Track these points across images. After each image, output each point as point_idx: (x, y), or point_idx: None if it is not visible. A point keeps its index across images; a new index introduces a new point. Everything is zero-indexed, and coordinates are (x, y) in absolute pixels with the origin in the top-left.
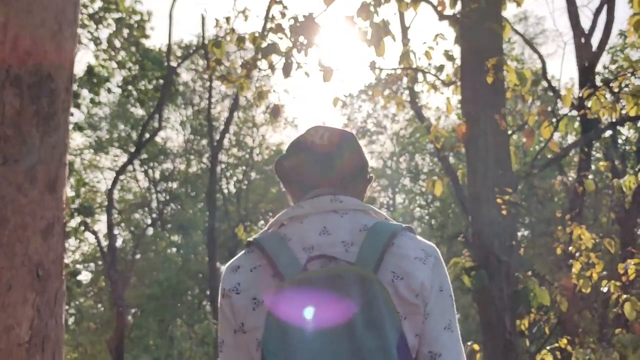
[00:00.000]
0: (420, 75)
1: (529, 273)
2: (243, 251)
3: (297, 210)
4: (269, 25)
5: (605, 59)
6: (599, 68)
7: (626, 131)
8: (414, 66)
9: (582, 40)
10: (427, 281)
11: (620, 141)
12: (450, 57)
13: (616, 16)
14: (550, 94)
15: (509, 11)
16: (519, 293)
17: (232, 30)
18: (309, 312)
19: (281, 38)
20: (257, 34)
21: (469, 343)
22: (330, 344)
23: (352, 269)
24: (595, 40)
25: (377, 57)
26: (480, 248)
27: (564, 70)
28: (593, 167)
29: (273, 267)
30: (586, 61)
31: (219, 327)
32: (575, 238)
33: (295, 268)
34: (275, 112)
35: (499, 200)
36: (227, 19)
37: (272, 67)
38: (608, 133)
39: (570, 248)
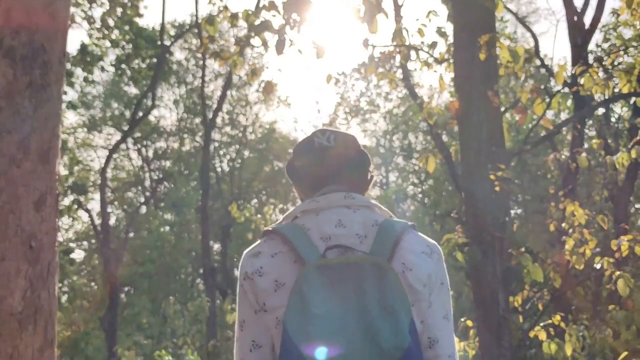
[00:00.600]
0: (413, 53)
1: (522, 249)
2: (262, 239)
3: (312, 204)
4: (262, 2)
5: (597, 37)
6: (591, 46)
7: (619, 109)
8: (407, 43)
9: (575, 18)
10: (432, 273)
11: (613, 119)
12: (442, 34)
13: None
14: (543, 72)
15: None
16: (512, 269)
17: (226, 7)
18: (328, 295)
19: (274, 15)
20: (250, 12)
21: (462, 319)
22: (347, 324)
23: (369, 259)
24: (587, 19)
25: (370, 35)
26: (473, 224)
27: (556, 48)
28: (586, 145)
29: (295, 254)
30: (579, 39)
31: (238, 308)
32: (569, 214)
33: (315, 255)
34: (268, 89)
35: (492, 177)
36: None
37: (265, 44)
38: (601, 111)
39: (563, 225)
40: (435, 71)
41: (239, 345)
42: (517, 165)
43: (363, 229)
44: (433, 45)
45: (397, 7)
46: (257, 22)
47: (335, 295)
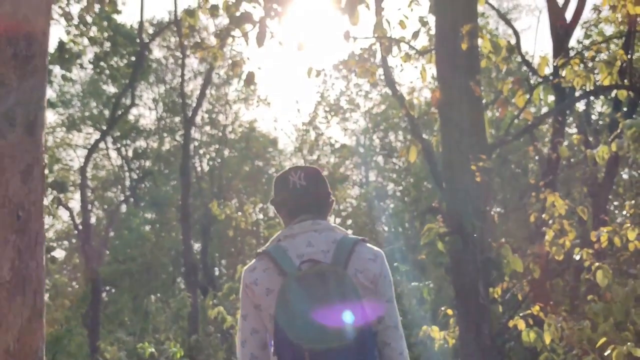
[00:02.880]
0: (394, 49)
1: (503, 240)
2: (256, 258)
3: (290, 231)
4: None
5: (579, 34)
6: (572, 43)
7: (599, 107)
8: (389, 36)
9: (556, 13)
10: (377, 272)
11: (593, 117)
12: (424, 23)
13: None
14: (525, 69)
15: None
16: (492, 260)
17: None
18: (303, 296)
19: (255, 7)
20: (230, 3)
21: (442, 308)
22: (317, 314)
23: (331, 268)
24: (569, 14)
25: (351, 27)
26: (454, 214)
27: (537, 45)
28: (566, 142)
29: (279, 268)
30: (560, 33)
31: (242, 305)
32: (549, 205)
33: (293, 268)
34: (249, 79)
35: (473, 167)
36: None
37: (245, 36)
38: (581, 107)
39: (543, 215)
40: (415, 67)
41: (242, 330)
42: (497, 162)
43: (326, 246)
44: (415, 35)
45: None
46: (238, 13)
47: (308, 295)
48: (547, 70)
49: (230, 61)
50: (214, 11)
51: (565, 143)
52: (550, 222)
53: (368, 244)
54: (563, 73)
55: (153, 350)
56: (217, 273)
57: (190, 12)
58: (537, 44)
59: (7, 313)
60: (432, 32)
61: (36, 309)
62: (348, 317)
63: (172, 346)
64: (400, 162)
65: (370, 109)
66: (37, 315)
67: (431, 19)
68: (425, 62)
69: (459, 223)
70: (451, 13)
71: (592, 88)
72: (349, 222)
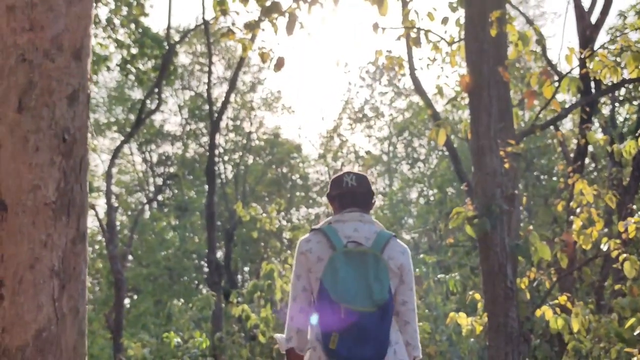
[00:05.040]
0: (423, 40)
1: (530, 228)
2: (311, 232)
3: (341, 217)
4: None
5: (604, 39)
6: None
7: (625, 113)
8: (417, 26)
9: (582, 16)
10: (404, 263)
11: (619, 122)
12: (454, 9)
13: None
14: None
15: None
16: (520, 247)
17: None
18: (347, 267)
19: None
20: None
21: (470, 292)
22: (356, 283)
23: (370, 250)
24: (594, 18)
25: (380, 18)
26: (482, 197)
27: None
28: (591, 148)
29: (330, 243)
30: (587, 32)
31: (295, 268)
32: (577, 192)
33: (341, 245)
34: (279, 64)
35: (501, 153)
36: None
37: (274, 25)
38: (607, 113)
39: (571, 204)
40: (441, 68)
41: (295, 287)
42: (522, 164)
43: (369, 234)
44: (444, 20)
45: None
46: (268, 3)
47: (351, 267)
48: (574, 63)
49: (259, 47)
50: (243, 0)
51: (590, 148)
52: (578, 210)
53: (399, 240)
54: (591, 65)
55: (179, 339)
56: (239, 279)
57: (221, 2)
58: (563, 49)
59: (53, 233)
60: (461, 21)
61: (80, 232)
62: (377, 290)
63: (198, 335)
64: (425, 167)
65: (395, 117)
66: (80, 238)
67: (460, 12)
68: (454, 52)
69: (487, 206)
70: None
71: (619, 80)
72: None
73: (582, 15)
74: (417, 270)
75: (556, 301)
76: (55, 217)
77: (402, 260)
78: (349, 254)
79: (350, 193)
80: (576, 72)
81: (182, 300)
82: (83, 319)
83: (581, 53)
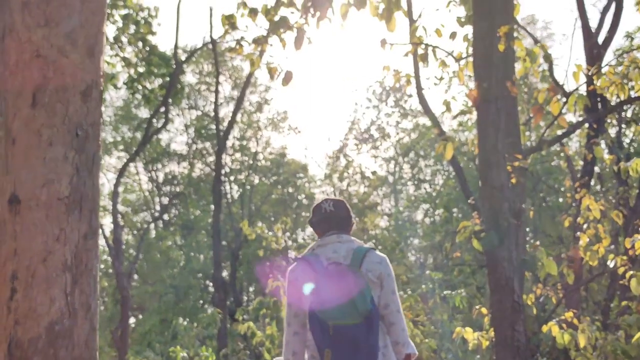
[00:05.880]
0: (430, 57)
1: (537, 243)
2: (296, 262)
3: (321, 242)
4: None
5: (611, 58)
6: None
7: (631, 135)
8: (425, 42)
9: (590, 37)
10: (382, 271)
11: (625, 143)
12: (462, 23)
13: (622, 19)
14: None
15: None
16: (527, 262)
17: (244, 3)
18: (330, 286)
19: (292, 12)
20: (269, 7)
21: (477, 307)
22: (339, 298)
23: (349, 267)
24: (602, 39)
25: (388, 33)
26: (490, 211)
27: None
28: (597, 169)
29: (312, 268)
30: (595, 49)
31: (287, 297)
32: (584, 208)
33: (322, 268)
34: (287, 78)
35: (508, 168)
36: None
37: (282, 41)
38: (613, 134)
39: (578, 219)
40: (451, 78)
41: (288, 314)
42: (530, 182)
43: (346, 253)
44: (453, 35)
45: (410, 7)
46: (276, 18)
47: (334, 286)
48: (582, 80)
49: (267, 62)
50: (252, 15)
51: (597, 169)
52: (585, 226)
53: (376, 251)
54: (598, 82)
55: (185, 354)
56: (245, 299)
57: (229, 17)
58: (570, 69)
59: (65, 227)
60: (469, 36)
61: (92, 227)
62: (360, 302)
63: (204, 350)
64: (431, 188)
65: (401, 138)
66: (92, 233)
67: (468, 27)
68: (462, 68)
69: (495, 220)
70: (489, 12)
71: (626, 97)
72: (379, 247)
73: (589, 35)
74: (424, 286)
75: (562, 317)
76: (68, 212)
77: (380, 269)
78: (330, 275)
79: (328, 218)
80: (583, 89)
81: (187, 319)
82: (95, 315)
83: (588, 70)
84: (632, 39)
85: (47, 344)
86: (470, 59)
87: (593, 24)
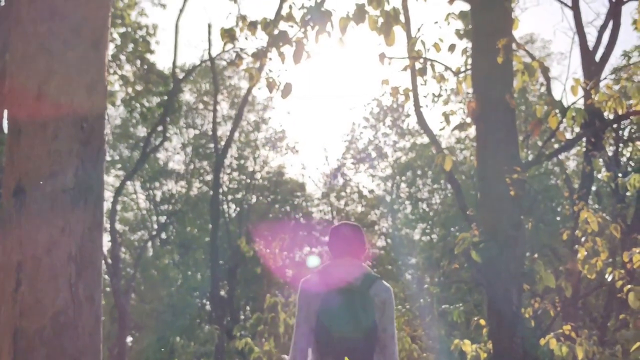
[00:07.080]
0: (429, 71)
1: (535, 256)
2: (311, 274)
3: (335, 262)
4: (283, 10)
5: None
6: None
7: (628, 154)
8: (424, 56)
9: (587, 55)
10: (386, 299)
11: (622, 161)
12: (460, 36)
13: (619, 38)
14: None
15: (516, 33)
16: (525, 274)
17: (244, 17)
18: (338, 303)
19: (292, 26)
20: (269, 20)
21: (475, 318)
22: (346, 313)
23: (358, 288)
24: (599, 57)
25: (386, 48)
26: (488, 223)
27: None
28: (594, 187)
29: (325, 282)
30: (592, 66)
31: (298, 303)
32: (582, 221)
33: (334, 284)
34: (286, 90)
35: (507, 180)
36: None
37: (281, 55)
38: (611, 152)
39: (576, 232)
40: (449, 95)
41: (298, 318)
42: (527, 201)
43: (357, 275)
44: (452, 47)
45: (408, 21)
46: (276, 32)
47: (342, 302)
48: (579, 94)
49: (266, 76)
50: (252, 29)
51: (594, 188)
52: (583, 239)
53: (383, 281)
54: (596, 97)
55: None
56: (242, 317)
57: (228, 30)
58: (568, 84)
59: (70, 219)
60: (468, 50)
61: (96, 220)
62: (364, 319)
63: None
64: (429, 208)
65: (398, 158)
66: (97, 225)
67: (466, 42)
68: (459, 82)
69: (493, 231)
70: (488, 25)
71: (624, 112)
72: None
73: (587, 53)
74: (422, 300)
75: (560, 330)
76: (72, 204)
77: (385, 296)
78: (341, 291)
79: (345, 243)
80: (581, 103)
81: (184, 337)
82: (99, 307)
83: (586, 84)
84: (629, 57)
85: (52, 334)
86: (469, 72)
87: (590, 42)
